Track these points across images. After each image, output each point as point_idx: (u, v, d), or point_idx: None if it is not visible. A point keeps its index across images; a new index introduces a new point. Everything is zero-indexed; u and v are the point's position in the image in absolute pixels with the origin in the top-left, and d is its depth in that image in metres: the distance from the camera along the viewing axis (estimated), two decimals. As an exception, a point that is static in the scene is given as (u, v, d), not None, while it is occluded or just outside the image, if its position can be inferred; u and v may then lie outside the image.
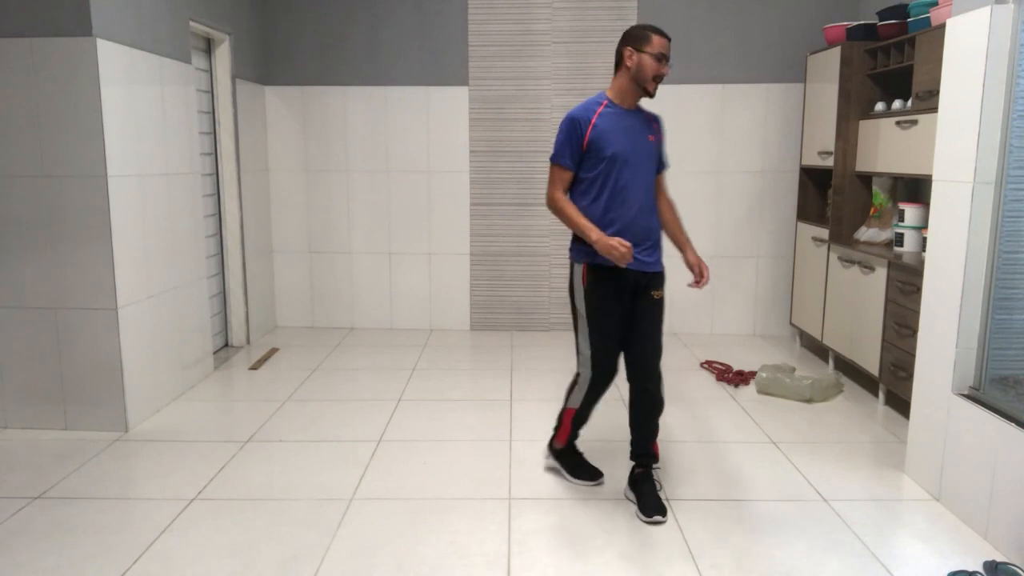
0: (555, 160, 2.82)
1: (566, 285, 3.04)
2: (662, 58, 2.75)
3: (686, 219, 2.90)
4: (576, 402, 3.00)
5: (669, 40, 2.79)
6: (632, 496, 2.89)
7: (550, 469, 3.18)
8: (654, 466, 2.96)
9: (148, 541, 2.59)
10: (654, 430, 2.94)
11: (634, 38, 2.77)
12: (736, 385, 4.29)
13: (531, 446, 3.42)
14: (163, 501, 2.88)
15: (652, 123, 2.90)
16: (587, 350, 2.89)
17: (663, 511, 2.77)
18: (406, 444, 3.45)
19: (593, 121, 2.77)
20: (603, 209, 2.78)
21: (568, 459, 3.13)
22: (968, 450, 2.73)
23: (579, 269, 2.86)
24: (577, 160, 2.80)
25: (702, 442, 3.53)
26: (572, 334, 2.99)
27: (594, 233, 2.71)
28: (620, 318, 2.84)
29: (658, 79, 2.77)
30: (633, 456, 2.96)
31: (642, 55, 2.75)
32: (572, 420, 3.04)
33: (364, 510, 2.82)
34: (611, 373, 2.92)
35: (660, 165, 2.92)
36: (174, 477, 3.09)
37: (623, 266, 2.70)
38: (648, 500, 2.81)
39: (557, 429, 3.12)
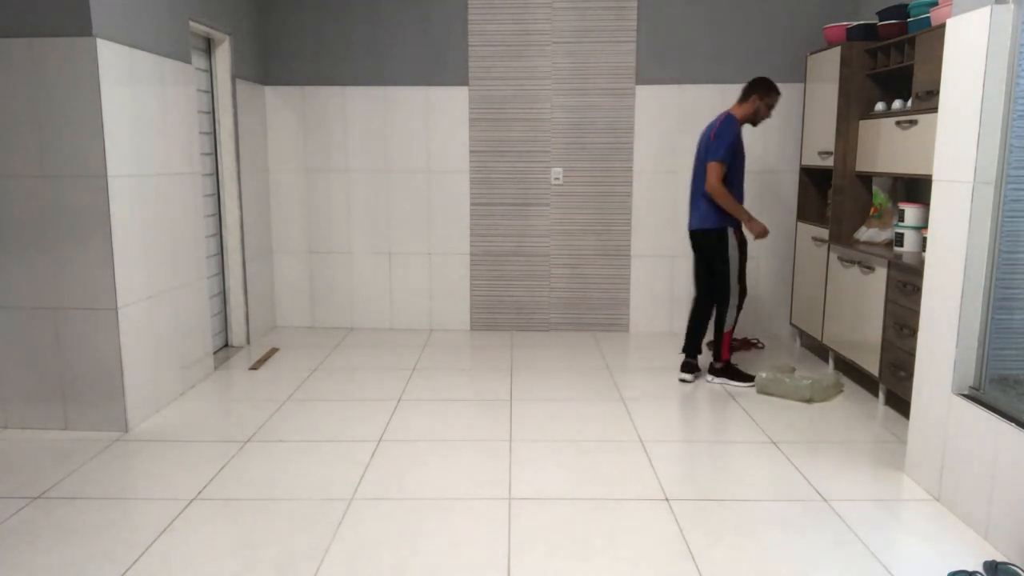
0: (722, 159, 4.08)
1: (710, 248, 4.27)
2: (770, 108, 4.22)
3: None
4: (730, 323, 4.28)
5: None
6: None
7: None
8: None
9: (148, 541, 2.59)
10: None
11: (765, 90, 4.18)
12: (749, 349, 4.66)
13: (531, 446, 3.42)
14: (163, 501, 2.88)
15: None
16: (732, 282, 4.22)
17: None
18: (406, 444, 3.45)
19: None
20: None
21: (730, 371, 4.30)
22: (968, 450, 2.73)
23: (731, 232, 4.19)
24: (730, 160, 4.12)
25: (702, 442, 3.53)
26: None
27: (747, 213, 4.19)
28: None
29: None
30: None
31: (764, 103, 4.20)
32: (730, 336, 4.30)
33: (364, 510, 2.82)
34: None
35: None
36: (174, 477, 3.09)
37: (762, 237, 4.21)
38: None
39: (719, 350, 4.31)
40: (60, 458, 3.26)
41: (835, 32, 4.51)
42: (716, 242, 4.21)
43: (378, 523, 2.72)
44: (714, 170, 4.08)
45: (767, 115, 4.22)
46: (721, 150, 4.06)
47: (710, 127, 4.22)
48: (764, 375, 4.16)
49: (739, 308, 4.32)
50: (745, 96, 4.20)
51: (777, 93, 4.19)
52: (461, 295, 5.58)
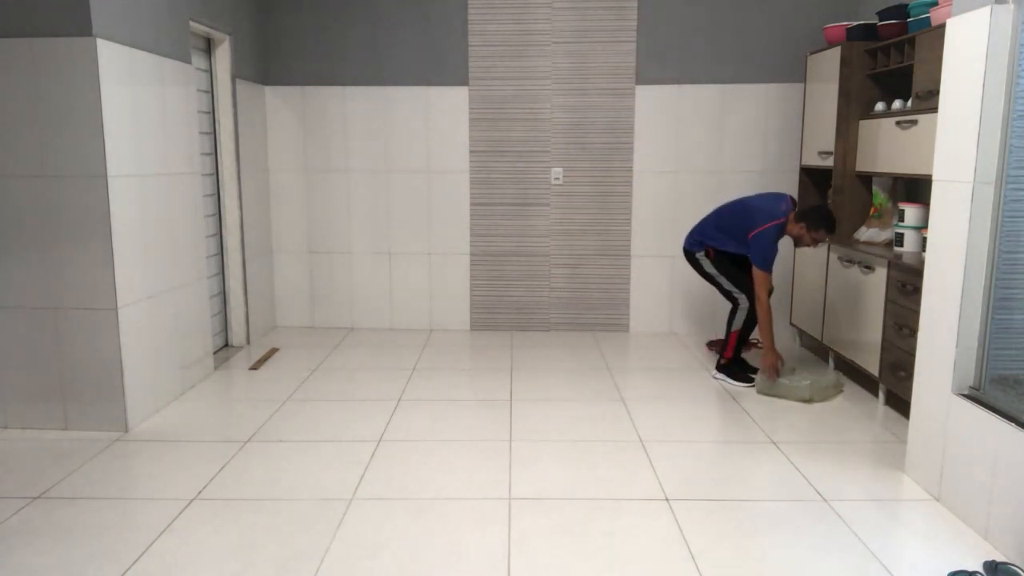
0: (767, 269, 4.12)
1: (689, 271, 4.73)
2: (815, 242, 4.06)
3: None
4: (739, 324, 4.34)
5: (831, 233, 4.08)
6: (739, 372, 4.39)
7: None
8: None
9: (148, 541, 2.59)
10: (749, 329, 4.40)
11: (812, 223, 4.02)
12: (749, 349, 4.71)
13: (531, 446, 3.42)
14: (163, 501, 2.88)
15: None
16: (735, 289, 4.32)
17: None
18: (406, 444, 3.45)
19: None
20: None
21: (730, 370, 4.38)
22: (968, 450, 2.73)
23: (702, 252, 4.37)
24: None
25: (702, 442, 3.53)
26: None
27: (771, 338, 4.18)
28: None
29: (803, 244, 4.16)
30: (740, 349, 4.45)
31: (811, 234, 4.05)
32: (737, 338, 4.36)
33: (364, 510, 2.82)
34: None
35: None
36: (174, 477, 3.09)
37: (773, 378, 4.14)
38: (749, 367, 4.43)
39: (724, 348, 4.42)
40: (60, 458, 3.26)
41: (835, 32, 4.51)
42: (690, 262, 4.47)
43: (378, 523, 2.72)
44: (762, 282, 4.09)
45: (808, 244, 4.10)
46: (765, 259, 4.07)
47: (761, 213, 4.11)
48: (763, 377, 4.16)
49: (751, 325, 4.35)
50: (799, 217, 4.07)
51: (827, 231, 4.01)
52: (461, 295, 5.58)
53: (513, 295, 5.57)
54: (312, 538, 2.61)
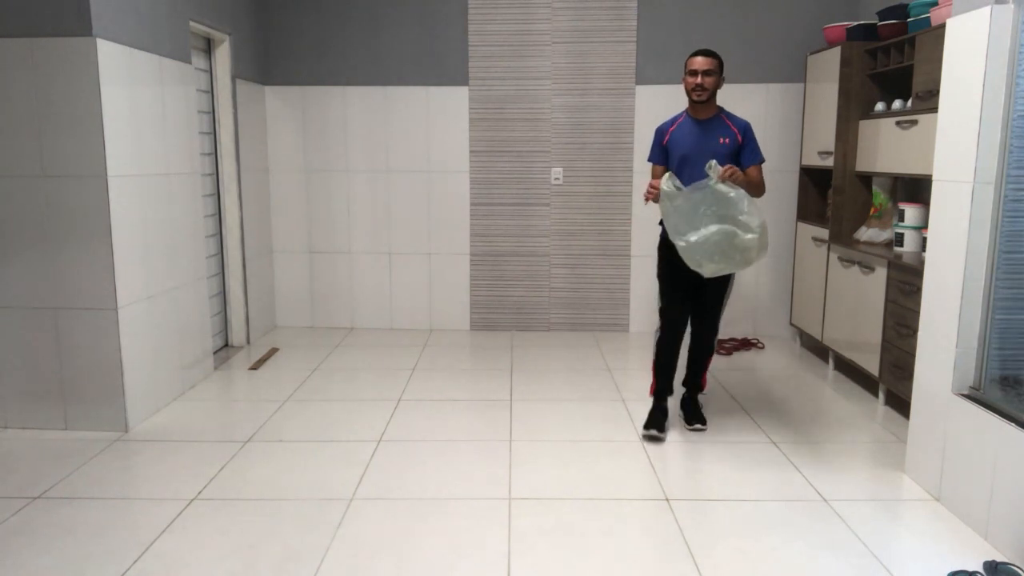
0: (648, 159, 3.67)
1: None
2: (694, 73, 3.41)
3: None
4: (655, 353, 3.69)
5: (708, 56, 3.42)
6: (680, 411, 3.73)
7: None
8: (701, 394, 3.83)
9: (148, 541, 2.59)
10: (702, 366, 3.74)
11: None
12: (747, 349, 4.82)
13: (531, 446, 3.42)
14: (163, 501, 2.88)
15: (728, 129, 3.48)
16: (660, 304, 3.63)
17: (703, 420, 3.62)
18: (406, 444, 3.45)
19: (669, 131, 3.56)
20: None
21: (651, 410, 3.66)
22: (968, 450, 2.73)
23: (660, 240, 3.60)
24: (663, 158, 3.57)
25: (702, 442, 3.53)
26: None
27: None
28: (686, 282, 3.49)
29: (695, 89, 3.42)
30: (685, 383, 3.78)
31: (684, 76, 3.47)
32: (652, 369, 3.72)
33: (364, 510, 2.82)
34: (676, 326, 3.59)
35: (748, 160, 3.45)
36: (174, 477, 3.09)
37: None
38: (690, 412, 3.66)
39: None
40: (60, 458, 3.26)
41: (835, 32, 4.51)
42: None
43: (378, 523, 2.72)
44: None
45: (691, 82, 3.41)
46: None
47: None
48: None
49: (665, 342, 3.62)
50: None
51: (693, 55, 3.44)
52: (461, 295, 5.58)
53: (513, 295, 5.57)
54: (312, 538, 2.61)
